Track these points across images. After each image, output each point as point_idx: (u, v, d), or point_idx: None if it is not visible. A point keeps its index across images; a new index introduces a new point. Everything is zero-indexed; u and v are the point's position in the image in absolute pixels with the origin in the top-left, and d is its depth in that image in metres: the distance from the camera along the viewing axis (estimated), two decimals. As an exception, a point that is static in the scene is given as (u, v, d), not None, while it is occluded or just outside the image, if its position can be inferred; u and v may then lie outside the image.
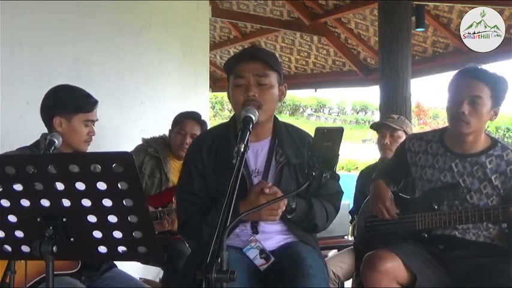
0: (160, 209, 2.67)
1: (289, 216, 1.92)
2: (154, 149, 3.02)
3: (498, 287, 1.90)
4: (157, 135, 3.15)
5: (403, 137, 3.03)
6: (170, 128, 3.12)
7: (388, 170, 2.47)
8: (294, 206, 1.90)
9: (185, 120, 3.04)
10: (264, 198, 1.80)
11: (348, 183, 2.15)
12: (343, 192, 2.09)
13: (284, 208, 1.86)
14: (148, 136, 3.15)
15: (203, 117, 3.19)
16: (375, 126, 3.35)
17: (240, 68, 1.89)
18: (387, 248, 2.09)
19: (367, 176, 3.25)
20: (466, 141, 2.14)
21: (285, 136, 2.01)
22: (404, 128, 3.13)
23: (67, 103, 2.18)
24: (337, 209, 2.07)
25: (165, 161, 3.00)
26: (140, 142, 3.15)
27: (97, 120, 2.27)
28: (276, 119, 2.05)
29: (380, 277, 2.01)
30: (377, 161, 3.31)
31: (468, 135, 2.13)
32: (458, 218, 2.10)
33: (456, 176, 2.15)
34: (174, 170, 3.03)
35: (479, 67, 2.13)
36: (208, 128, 3.07)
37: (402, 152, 2.33)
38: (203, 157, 1.96)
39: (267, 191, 1.82)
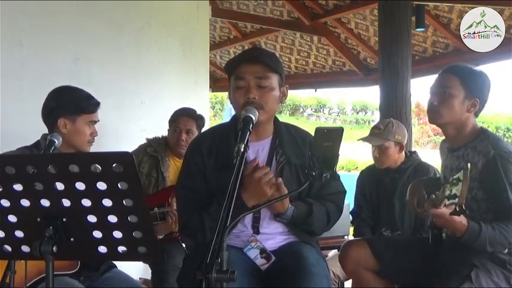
0: (164, 209, 2.63)
1: (277, 219, 1.93)
2: (154, 148, 3.03)
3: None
4: (160, 136, 3.15)
5: (393, 146, 2.99)
6: (168, 127, 3.13)
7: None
8: (287, 218, 1.90)
9: (179, 117, 3.06)
10: (259, 172, 1.81)
11: (348, 183, 2.15)
12: (345, 192, 2.08)
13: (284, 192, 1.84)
14: (150, 136, 3.16)
15: (203, 117, 3.20)
16: (361, 141, 3.21)
17: (241, 70, 1.89)
18: (364, 237, 2.31)
19: (367, 176, 3.25)
20: (448, 135, 2.18)
21: (285, 136, 2.01)
22: (391, 138, 2.97)
23: (70, 105, 2.19)
24: (340, 209, 2.07)
25: (162, 160, 3.00)
26: (142, 142, 3.16)
27: (98, 120, 2.29)
28: (276, 119, 2.04)
29: (344, 263, 2.30)
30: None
31: (446, 128, 2.15)
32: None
33: (446, 172, 2.17)
34: (174, 169, 3.02)
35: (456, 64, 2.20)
36: (207, 126, 3.07)
37: None
38: (203, 156, 1.96)
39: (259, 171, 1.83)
